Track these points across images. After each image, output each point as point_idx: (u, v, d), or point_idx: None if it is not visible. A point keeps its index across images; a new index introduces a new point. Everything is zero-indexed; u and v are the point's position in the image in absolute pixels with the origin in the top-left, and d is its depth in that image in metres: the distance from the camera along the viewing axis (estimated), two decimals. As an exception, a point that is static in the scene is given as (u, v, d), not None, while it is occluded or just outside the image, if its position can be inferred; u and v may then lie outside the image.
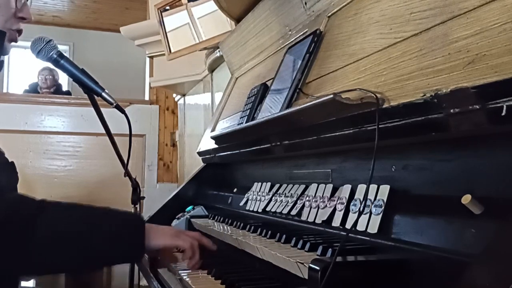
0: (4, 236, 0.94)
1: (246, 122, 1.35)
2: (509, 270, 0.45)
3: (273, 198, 1.22)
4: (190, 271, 1.14)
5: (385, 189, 0.79)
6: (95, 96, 1.40)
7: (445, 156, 0.72)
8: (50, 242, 0.98)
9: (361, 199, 0.83)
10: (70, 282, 3.41)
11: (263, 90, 1.38)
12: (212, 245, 1.18)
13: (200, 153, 1.86)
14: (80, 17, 6.97)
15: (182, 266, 1.19)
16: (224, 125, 1.69)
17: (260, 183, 1.35)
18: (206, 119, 2.90)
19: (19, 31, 1.16)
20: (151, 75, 4.23)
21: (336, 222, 0.89)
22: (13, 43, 1.17)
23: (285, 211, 1.11)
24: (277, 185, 1.25)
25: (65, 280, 3.60)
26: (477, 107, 0.58)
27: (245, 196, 1.40)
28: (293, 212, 1.07)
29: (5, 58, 1.16)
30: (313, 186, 1.04)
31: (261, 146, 1.27)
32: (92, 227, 1.03)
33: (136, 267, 1.55)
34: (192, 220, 1.57)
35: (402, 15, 0.86)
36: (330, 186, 0.98)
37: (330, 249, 0.78)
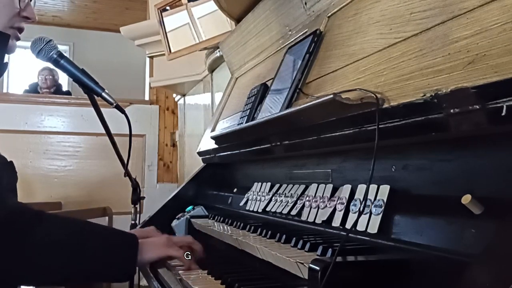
0: (2, 241, 0.95)
1: (246, 122, 1.35)
2: (509, 270, 0.45)
3: (273, 198, 1.22)
4: (189, 271, 1.14)
5: (385, 189, 0.79)
6: (95, 96, 1.40)
7: (445, 156, 0.72)
8: (46, 250, 0.99)
9: (361, 199, 0.83)
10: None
11: (263, 90, 1.38)
12: (202, 253, 1.18)
13: (200, 153, 1.86)
14: (80, 17, 6.97)
15: (182, 266, 1.19)
16: (224, 125, 1.69)
17: (260, 183, 1.35)
18: (206, 119, 2.90)
19: (20, 29, 1.17)
20: (151, 75, 4.24)
21: (336, 222, 0.89)
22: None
23: (285, 211, 1.11)
24: (277, 185, 1.25)
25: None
26: (477, 107, 0.58)
27: (245, 196, 1.40)
28: (293, 212, 1.07)
29: (5, 58, 1.16)
30: (313, 186, 1.04)
31: (261, 146, 1.27)
32: (87, 240, 1.05)
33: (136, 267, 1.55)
34: (192, 220, 1.57)
35: (402, 15, 0.86)
36: (330, 186, 0.98)
37: (330, 249, 0.78)
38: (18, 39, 1.16)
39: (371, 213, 0.78)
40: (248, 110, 1.39)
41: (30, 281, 1.12)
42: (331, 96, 0.80)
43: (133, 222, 1.68)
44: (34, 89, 4.92)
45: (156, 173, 4.51)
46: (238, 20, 1.95)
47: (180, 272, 1.14)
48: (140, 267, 1.12)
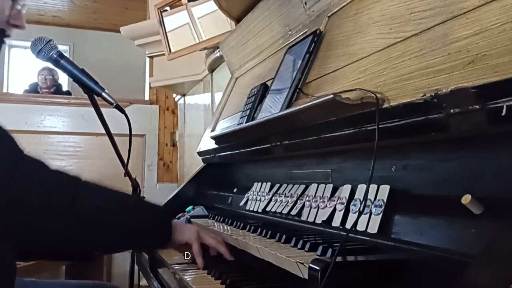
0: (49, 209, 1.00)
1: (246, 122, 1.35)
2: (509, 270, 0.45)
3: (273, 198, 1.22)
4: (190, 271, 1.14)
5: (385, 189, 0.79)
6: (95, 96, 1.40)
7: (445, 156, 0.72)
8: (89, 218, 1.04)
9: (361, 199, 0.83)
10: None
11: (263, 90, 1.38)
12: (230, 256, 1.19)
13: (200, 153, 1.86)
14: (80, 17, 6.97)
15: (182, 266, 1.19)
16: (224, 125, 1.69)
17: (260, 183, 1.35)
18: (206, 119, 2.90)
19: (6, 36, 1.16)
20: (151, 75, 4.23)
21: (336, 222, 0.89)
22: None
23: (285, 211, 1.11)
24: (277, 185, 1.25)
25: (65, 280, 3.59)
26: (477, 107, 0.58)
27: (245, 196, 1.40)
28: (293, 212, 1.07)
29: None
30: (313, 186, 1.04)
31: (261, 146, 1.27)
32: (127, 208, 1.13)
33: (136, 267, 1.55)
34: (192, 220, 1.56)
35: (402, 15, 0.86)
36: (330, 186, 0.98)
37: (330, 249, 0.78)
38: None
39: (371, 213, 0.78)
40: (248, 110, 1.39)
41: (72, 251, 1.17)
42: (331, 96, 0.80)
43: (133, 222, 1.67)
44: (34, 89, 4.92)
45: (156, 173, 4.50)
46: (238, 20, 1.95)
47: (180, 272, 1.14)
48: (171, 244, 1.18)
